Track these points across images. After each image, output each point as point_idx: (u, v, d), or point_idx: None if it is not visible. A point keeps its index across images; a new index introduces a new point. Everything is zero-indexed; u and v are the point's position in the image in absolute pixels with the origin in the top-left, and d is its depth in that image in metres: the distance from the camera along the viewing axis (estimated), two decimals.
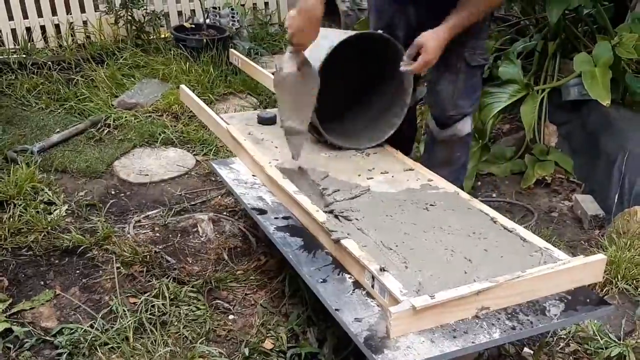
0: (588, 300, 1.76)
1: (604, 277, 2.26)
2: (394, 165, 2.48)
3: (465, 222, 2.05)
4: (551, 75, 3.51)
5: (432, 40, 2.19)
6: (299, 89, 2.26)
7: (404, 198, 2.20)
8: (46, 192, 2.97)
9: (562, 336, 2.21)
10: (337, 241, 1.90)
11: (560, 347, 2.17)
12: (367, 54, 2.59)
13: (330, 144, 2.58)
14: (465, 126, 2.50)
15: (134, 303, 2.29)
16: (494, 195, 3.22)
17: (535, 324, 1.65)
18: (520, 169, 3.36)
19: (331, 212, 2.08)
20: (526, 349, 2.11)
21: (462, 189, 2.39)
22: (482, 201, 2.23)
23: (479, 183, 3.32)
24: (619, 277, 2.39)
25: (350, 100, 2.75)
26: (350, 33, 2.43)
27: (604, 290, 2.35)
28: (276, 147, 2.62)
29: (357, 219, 2.04)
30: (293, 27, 2.08)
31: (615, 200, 2.84)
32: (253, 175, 2.50)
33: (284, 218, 2.20)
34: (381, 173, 2.40)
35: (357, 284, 1.81)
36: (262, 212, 2.24)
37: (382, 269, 1.73)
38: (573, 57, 3.27)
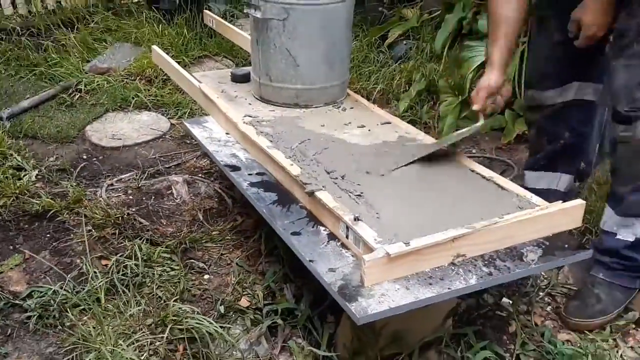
0: (566, 245, 1.73)
1: (583, 226, 2.24)
2: (371, 119, 2.42)
3: (441, 170, 2.01)
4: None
5: (587, 13, 1.96)
6: None
7: (381, 150, 2.15)
8: (15, 158, 2.89)
9: (542, 287, 2.18)
10: (311, 193, 1.85)
11: (540, 297, 2.14)
12: None
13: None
14: None
15: (106, 265, 2.23)
16: (474, 151, 3.18)
17: (513, 270, 1.62)
18: (500, 124, 3.31)
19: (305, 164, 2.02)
20: (505, 299, 2.08)
21: None
22: None
23: None
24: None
25: None
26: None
27: (584, 240, 2.32)
28: (250, 104, 2.54)
29: (331, 171, 1.98)
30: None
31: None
32: (227, 133, 2.43)
33: (258, 174, 2.14)
34: (358, 127, 2.34)
35: (331, 236, 1.77)
36: (235, 168, 2.18)
37: (357, 219, 1.68)
38: None
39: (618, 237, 2.02)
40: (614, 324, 2.01)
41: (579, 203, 1.77)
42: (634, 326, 2.02)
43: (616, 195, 2.03)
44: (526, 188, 2.03)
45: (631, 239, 2.00)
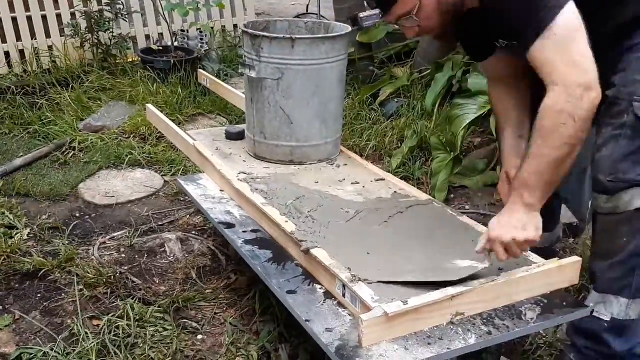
0: (565, 303, 1.72)
1: (579, 283, 2.22)
2: (365, 176, 2.43)
3: (438, 228, 2.00)
4: None
5: (491, 227, 1.76)
6: None
7: (375, 207, 2.15)
8: (7, 216, 2.86)
9: (541, 344, 2.16)
10: (306, 251, 1.84)
11: (537, 354, 2.11)
12: None
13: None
14: (633, 199, 1.79)
15: (97, 325, 2.19)
16: (467, 207, 3.19)
17: (512, 329, 1.60)
18: (492, 181, 3.33)
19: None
20: (503, 358, 2.05)
21: (630, 292, 1.85)
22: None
23: (452, 195, 3.29)
24: None
25: None
26: None
27: (580, 297, 2.31)
28: (244, 161, 2.56)
29: (326, 229, 1.98)
30: None
31: (589, 208, 2.81)
32: (221, 191, 2.43)
33: (253, 231, 2.13)
34: (352, 184, 2.35)
35: (328, 294, 1.75)
36: (230, 226, 2.17)
37: (354, 277, 1.67)
38: None
39: (594, 314, 1.88)
40: None
41: (575, 260, 1.77)
42: None
43: (593, 270, 1.93)
44: None
45: (607, 317, 1.88)
